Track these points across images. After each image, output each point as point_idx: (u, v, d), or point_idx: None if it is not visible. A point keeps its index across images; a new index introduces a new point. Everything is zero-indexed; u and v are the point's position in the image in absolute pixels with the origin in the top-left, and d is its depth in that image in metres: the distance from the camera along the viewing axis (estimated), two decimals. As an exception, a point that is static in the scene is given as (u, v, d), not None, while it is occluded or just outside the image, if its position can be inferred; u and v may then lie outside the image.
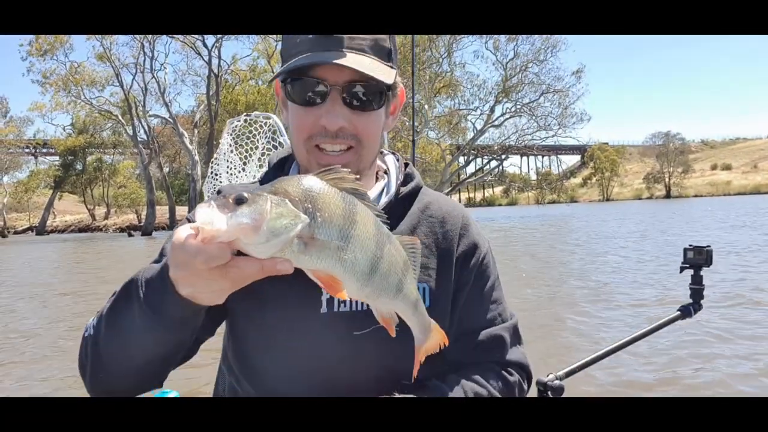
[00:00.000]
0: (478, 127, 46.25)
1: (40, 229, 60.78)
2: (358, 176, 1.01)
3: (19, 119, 65.44)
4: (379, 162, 1.41)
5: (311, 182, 0.97)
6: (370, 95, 1.21)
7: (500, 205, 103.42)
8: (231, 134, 6.44)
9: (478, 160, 50.71)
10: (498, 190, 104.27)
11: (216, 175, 6.52)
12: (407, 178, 1.41)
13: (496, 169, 52.20)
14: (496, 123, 45.92)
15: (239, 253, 0.92)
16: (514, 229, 30.75)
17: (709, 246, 2.87)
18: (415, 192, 1.40)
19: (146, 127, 46.28)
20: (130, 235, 45.87)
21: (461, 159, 48.87)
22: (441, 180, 46.92)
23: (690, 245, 2.93)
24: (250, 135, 6.25)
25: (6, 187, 65.07)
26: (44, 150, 72.08)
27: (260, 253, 0.91)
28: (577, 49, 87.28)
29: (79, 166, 65.24)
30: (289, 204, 0.92)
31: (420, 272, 1.13)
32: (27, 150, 68.67)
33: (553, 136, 46.60)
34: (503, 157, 49.14)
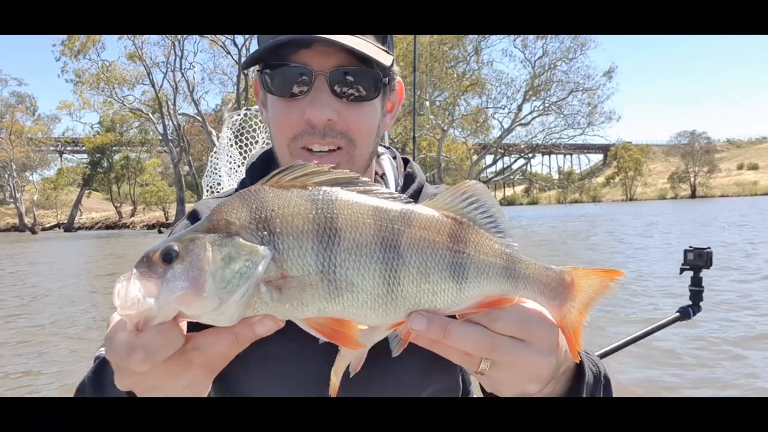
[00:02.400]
0: (505, 126, 45.98)
1: (69, 226, 61.79)
2: (333, 165, 0.76)
3: (47, 117, 66.57)
4: (374, 165, 1.22)
5: (260, 196, 0.69)
6: (363, 83, 1.02)
7: (521, 204, 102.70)
8: (231, 128, 6.39)
9: (505, 158, 50.41)
10: (519, 189, 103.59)
11: (215, 169, 6.47)
12: (408, 179, 1.23)
13: (524, 167, 51.86)
14: (524, 121, 45.60)
15: (200, 326, 0.68)
16: (533, 229, 30.38)
17: (709, 248, 2.87)
18: (418, 193, 1.22)
19: (177, 125, 46.75)
20: (159, 231, 46.42)
21: (488, 158, 48.65)
22: (467, 179, 46.63)
23: (690, 247, 2.92)
24: (250, 129, 6.21)
25: (36, 185, 66.26)
26: (69, 148, 73.18)
27: (221, 321, 0.67)
28: (601, 47, 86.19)
29: (106, 164, 66.15)
30: (237, 238, 0.67)
31: None
32: (53, 148, 69.75)
33: (581, 135, 46.18)
34: (530, 155, 48.83)
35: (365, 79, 1.03)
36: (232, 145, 6.24)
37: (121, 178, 68.35)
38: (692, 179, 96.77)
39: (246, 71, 44.92)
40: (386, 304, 0.70)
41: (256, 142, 6.23)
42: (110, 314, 0.70)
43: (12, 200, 60.44)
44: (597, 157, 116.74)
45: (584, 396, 0.87)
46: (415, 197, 1.20)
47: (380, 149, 1.27)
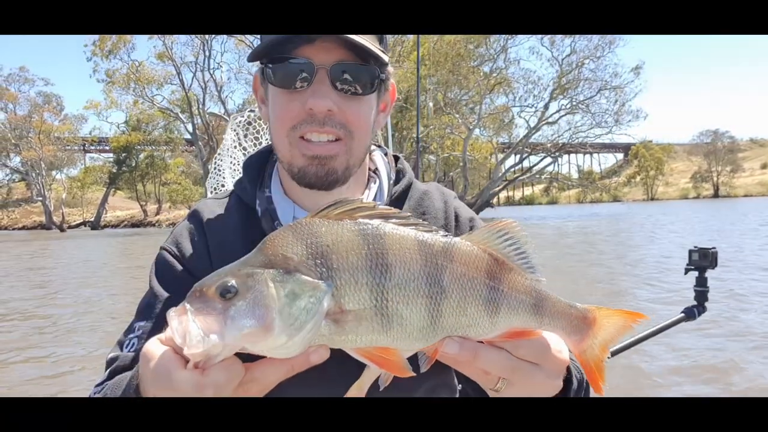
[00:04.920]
0: (531, 125, 45.73)
1: (95, 224, 62.65)
2: (333, 154, 0.86)
3: (74, 117, 67.47)
4: (367, 160, 1.27)
5: (313, 230, 0.72)
6: (361, 78, 1.08)
7: (540, 204, 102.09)
8: (234, 130, 6.41)
9: (528, 158, 50.10)
10: (538, 188, 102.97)
11: (219, 171, 6.51)
12: (399, 175, 1.29)
13: (550, 167, 51.58)
14: (551, 120, 45.34)
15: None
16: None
17: (714, 248, 2.84)
18: (407, 189, 1.27)
19: (206, 124, 47.22)
20: (186, 229, 46.81)
21: (513, 157, 48.45)
22: (492, 178, 46.61)
23: (695, 247, 2.89)
24: (254, 131, 6.23)
25: (64, 183, 67.28)
26: (93, 147, 74.06)
27: (283, 354, 0.69)
28: (629, 45, 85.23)
29: (132, 163, 66.95)
30: (298, 274, 0.68)
31: None
32: (77, 147, 70.63)
33: (607, 133, 45.81)
34: (556, 154, 48.55)
35: (363, 75, 1.08)
36: (235, 147, 6.27)
37: (145, 177, 69.10)
38: (715, 179, 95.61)
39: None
40: (428, 335, 0.74)
41: (260, 144, 6.20)
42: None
43: (40, 198, 61.43)
44: (617, 156, 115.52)
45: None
46: (405, 192, 1.25)
47: (371, 147, 1.32)
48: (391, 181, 1.26)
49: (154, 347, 0.72)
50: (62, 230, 58.43)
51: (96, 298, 11.42)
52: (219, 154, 6.60)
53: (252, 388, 0.71)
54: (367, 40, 1.06)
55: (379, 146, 1.33)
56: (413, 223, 0.77)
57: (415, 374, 0.74)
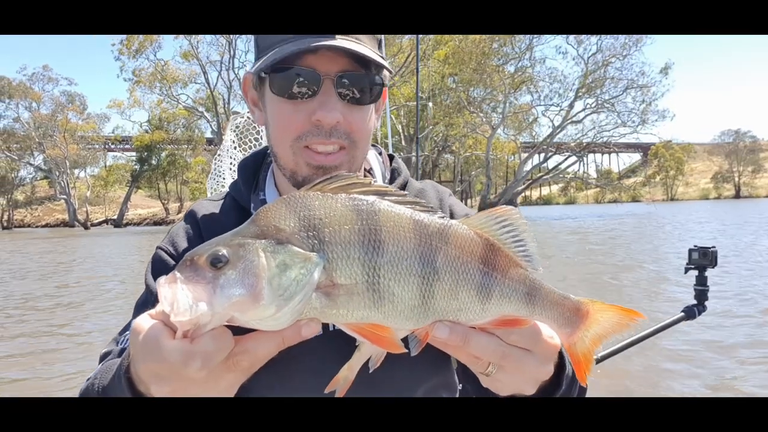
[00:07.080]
0: (556, 124, 45.41)
1: (118, 222, 63.36)
2: (336, 164, 0.90)
3: (96, 116, 68.17)
4: None
5: (307, 203, 0.71)
6: (365, 87, 1.05)
7: (558, 203, 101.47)
8: (234, 131, 6.36)
9: (551, 157, 49.75)
10: (555, 188, 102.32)
11: (219, 172, 6.47)
12: (394, 174, 1.27)
13: (574, 166, 51.15)
14: (576, 119, 44.97)
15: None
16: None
17: (714, 247, 2.84)
18: (403, 187, 1.25)
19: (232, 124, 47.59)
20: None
21: (537, 156, 48.14)
22: (515, 177, 46.39)
23: (695, 246, 2.88)
24: (254, 132, 6.17)
25: (87, 181, 68.06)
26: (114, 146, 74.78)
27: (273, 326, 0.68)
28: (651, 44, 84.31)
29: (154, 161, 67.58)
30: (289, 246, 0.68)
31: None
32: (98, 146, 71.37)
33: (632, 133, 45.37)
34: (581, 154, 48.18)
35: (367, 84, 1.06)
36: (235, 148, 6.23)
37: (167, 175, 69.71)
38: (736, 179, 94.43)
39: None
40: (419, 315, 0.73)
41: (260, 144, 6.11)
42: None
43: (63, 197, 62.20)
44: (636, 156, 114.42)
45: (563, 387, 0.91)
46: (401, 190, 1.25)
47: None
48: (386, 180, 1.25)
49: (144, 321, 0.71)
50: (86, 228, 59.16)
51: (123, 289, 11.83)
52: (219, 155, 6.62)
53: (242, 361, 0.70)
54: (367, 47, 1.04)
55: (374, 145, 1.30)
56: (410, 202, 0.76)
57: (406, 350, 0.74)
